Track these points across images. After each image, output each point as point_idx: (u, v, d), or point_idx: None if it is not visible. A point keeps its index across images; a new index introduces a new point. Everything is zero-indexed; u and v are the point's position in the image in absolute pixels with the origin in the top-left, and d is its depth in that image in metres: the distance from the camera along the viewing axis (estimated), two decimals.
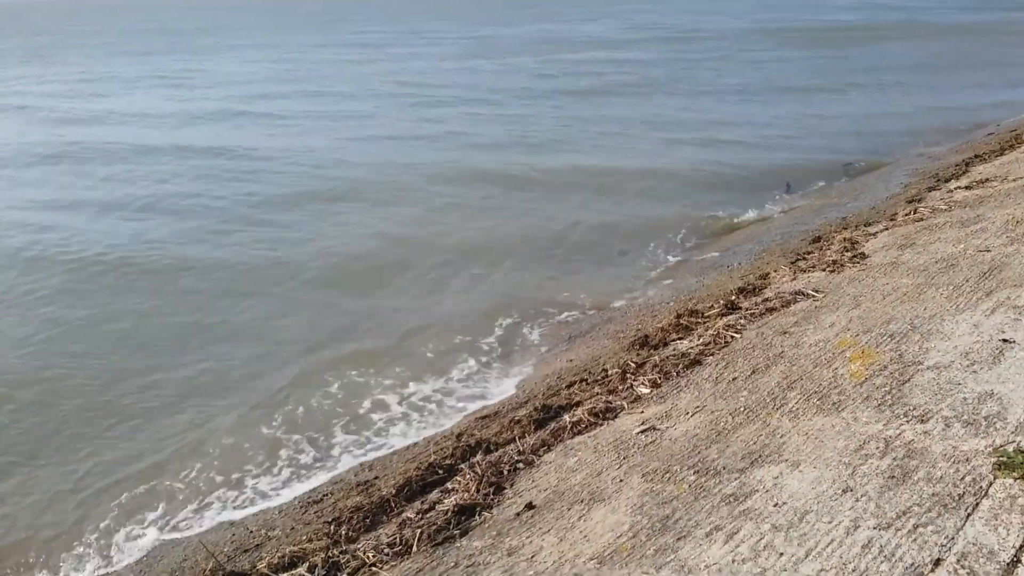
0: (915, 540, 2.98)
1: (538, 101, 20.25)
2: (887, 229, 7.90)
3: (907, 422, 3.79)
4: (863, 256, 6.94)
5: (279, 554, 3.79)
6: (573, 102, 20.10)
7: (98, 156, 15.36)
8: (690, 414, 4.47)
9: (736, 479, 3.65)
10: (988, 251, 6.18)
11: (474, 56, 31.83)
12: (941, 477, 3.34)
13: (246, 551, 4.03)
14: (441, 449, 4.69)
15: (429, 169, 13.19)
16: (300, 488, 4.68)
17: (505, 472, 4.26)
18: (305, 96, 22.38)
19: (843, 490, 3.38)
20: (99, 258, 9.55)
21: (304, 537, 3.98)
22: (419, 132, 16.64)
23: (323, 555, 3.70)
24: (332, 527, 3.99)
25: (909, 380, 4.21)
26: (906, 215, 8.37)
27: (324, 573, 3.58)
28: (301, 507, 4.40)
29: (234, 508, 4.64)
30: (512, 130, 16.54)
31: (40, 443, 5.61)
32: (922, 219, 8.01)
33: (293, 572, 3.63)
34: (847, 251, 7.19)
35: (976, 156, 11.62)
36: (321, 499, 4.45)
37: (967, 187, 9.27)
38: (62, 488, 5.14)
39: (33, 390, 6.40)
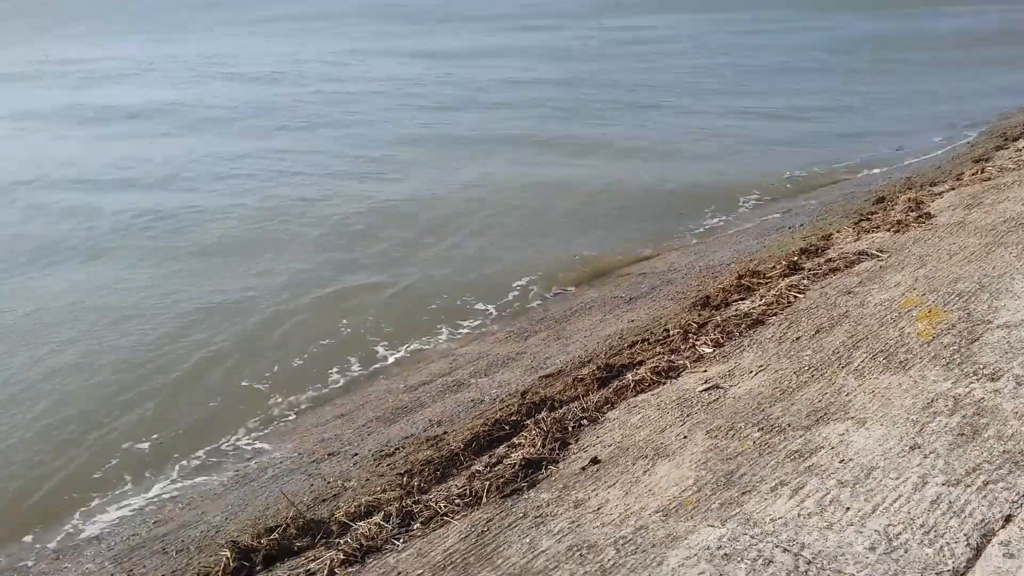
0: (985, 496, 3.00)
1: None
2: (953, 189, 7.74)
3: (976, 380, 3.78)
4: (928, 216, 6.83)
5: (355, 503, 3.95)
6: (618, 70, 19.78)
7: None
8: (753, 373, 4.50)
9: (801, 436, 3.69)
10: None
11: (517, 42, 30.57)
12: (1012, 435, 3.33)
13: (324, 500, 4.22)
14: (507, 406, 4.81)
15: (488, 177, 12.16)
16: (374, 442, 4.85)
17: (570, 428, 4.36)
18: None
19: (911, 447, 3.40)
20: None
21: (379, 488, 4.14)
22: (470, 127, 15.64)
23: (397, 504, 3.85)
24: (405, 479, 4.14)
25: (978, 339, 4.18)
26: (973, 174, 8.18)
27: (399, 521, 3.73)
28: (375, 460, 4.57)
29: (310, 460, 4.84)
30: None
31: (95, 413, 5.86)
32: (990, 178, 7.83)
33: (369, 520, 3.78)
34: (912, 211, 7.08)
35: None
36: (393, 452, 4.61)
37: None
38: (136, 442, 5.41)
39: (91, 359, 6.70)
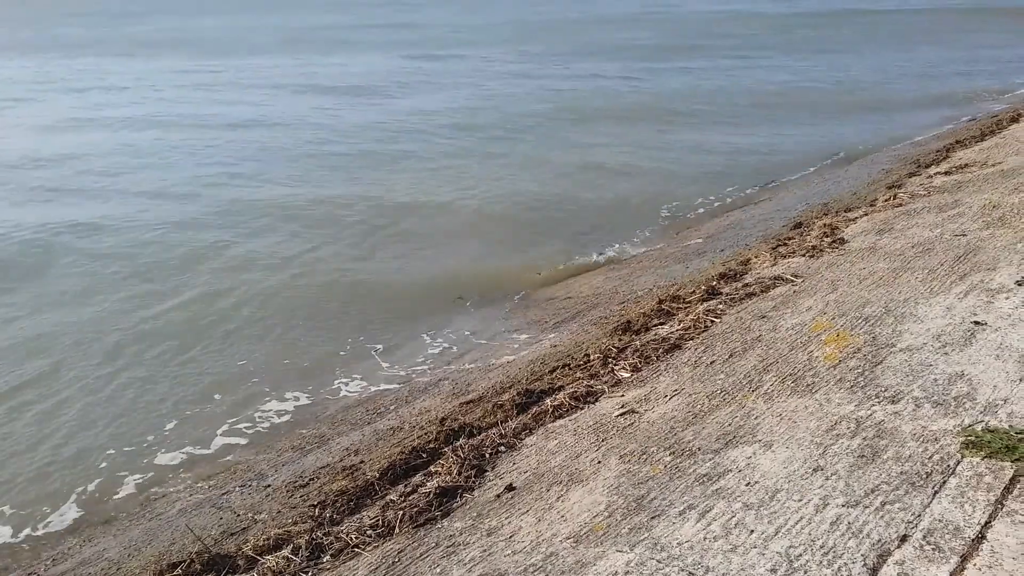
0: (882, 517, 3.07)
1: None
2: (867, 215, 7.99)
3: (878, 403, 3.89)
4: (842, 241, 7.04)
5: (264, 536, 3.85)
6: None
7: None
8: (668, 397, 4.55)
9: (710, 459, 3.73)
10: (964, 235, 6.28)
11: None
12: (910, 456, 3.43)
13: (232, 534, 4.10)
14: (425, 433, 4.76)
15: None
16: (288, 473, 4.74)
17: (487, 455, 4.34)
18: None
19: (814, 469, 3.47)
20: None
21: (289, 520, 4.05)
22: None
23: (307, 537, 3.76)
24: (317, 510, 4.05)
25: (882, 362, 4.30)
26: (886, 200, 8.47)
27: (308, 554, 3.65)
28: (287, 491, 4.47)
29: (221, 492, 4.70)
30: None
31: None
32: (901, 204, 8.11)
33: (278, 554, 3.69)
34: (827, 236, 7.28)
35: (957, 142, 11.73)
36: (307, 483, 4.52)
37: (947, 172, 9.37)
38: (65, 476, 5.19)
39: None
